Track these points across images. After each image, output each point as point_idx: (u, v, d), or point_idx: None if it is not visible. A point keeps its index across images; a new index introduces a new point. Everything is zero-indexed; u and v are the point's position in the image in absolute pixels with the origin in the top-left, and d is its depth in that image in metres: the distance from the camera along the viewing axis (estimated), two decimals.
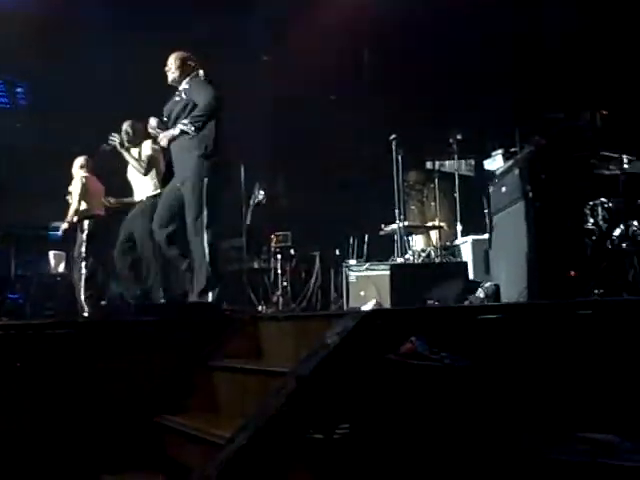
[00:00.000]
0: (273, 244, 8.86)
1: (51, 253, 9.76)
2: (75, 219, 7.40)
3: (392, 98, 10.02)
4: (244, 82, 9.93)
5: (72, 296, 8.84)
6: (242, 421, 2.77)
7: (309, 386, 2.61)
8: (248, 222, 8.27)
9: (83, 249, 7.24)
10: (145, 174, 6.68)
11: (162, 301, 6.20)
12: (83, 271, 7.21)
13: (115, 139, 6.66)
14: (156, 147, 6.54)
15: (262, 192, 8.78)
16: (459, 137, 8.28)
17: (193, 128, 5.25)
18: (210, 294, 5.13)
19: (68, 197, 7.62)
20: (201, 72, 5.50)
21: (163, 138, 5.43)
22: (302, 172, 10.48)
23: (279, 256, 8.77)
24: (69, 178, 7.81)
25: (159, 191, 6.37)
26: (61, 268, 9.76)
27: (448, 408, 2.74)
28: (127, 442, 3.73)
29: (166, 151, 5.69)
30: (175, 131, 5.33)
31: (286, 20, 10.16)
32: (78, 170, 7.63)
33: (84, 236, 7.28)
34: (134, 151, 6.81)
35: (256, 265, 8.95)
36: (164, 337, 3.94)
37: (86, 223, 7.31)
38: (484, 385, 2.83)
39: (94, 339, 3.87)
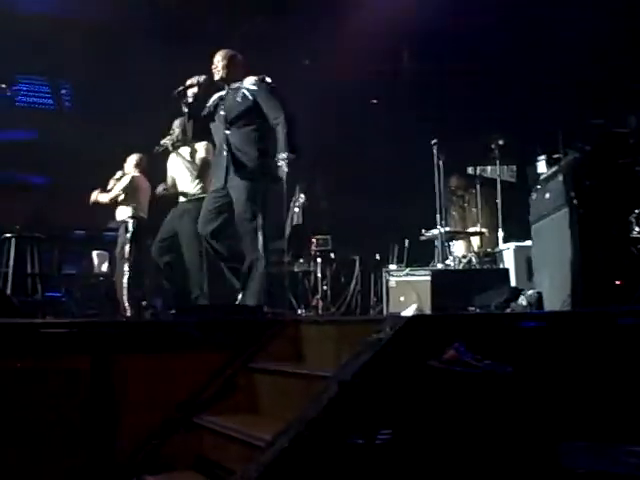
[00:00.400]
0: (313, 248, 8.87)
1: (94, 253, 9.89)
2: (121, 217, 7.46)
3: (434, 102, 9.98)
4: (285, 85, 9.97)
5: (114, 296, 8.95)
6: (282, 424, 2.78)
7: (351, 391, 2.60)
8: (289, 225, 8.29)
9: (127, 249, 7.29)
10: (197, 177, 6.67)
11: (204, 302, 6.23)
12: (126, 271, 7.27)
13: (167, 141, 6.69)
14: (210, 150, 6.57)
15: (303, 195, 8.79)
16: (501, 142, 8.20)
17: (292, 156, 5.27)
18: (254, 296, 5.15)
19: (112, 181, 7.64)
20: (268, 79, 5.48)
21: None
22: (343, 176, 10.48)
23: (319, 260, 8.77)
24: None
25: (204, 195, 6.39)
26: (104, 268, 9.89)
27: (489, 416, 2.72)
28: (167, 442, 3.77)
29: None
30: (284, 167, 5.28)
31: (327, 23, 10.17)
32: (132, 168, 7.69)
33: (128, 236, 7.33)
34: (184, 150, 6.81)
35: (296, 268, 8.96)
36: (205, 338, 3.96)
37: (131, 223, 7.36)
38: (526, 393, 2.80)
39: (135, 339, 3.91)
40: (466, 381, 2.67)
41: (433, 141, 7.71)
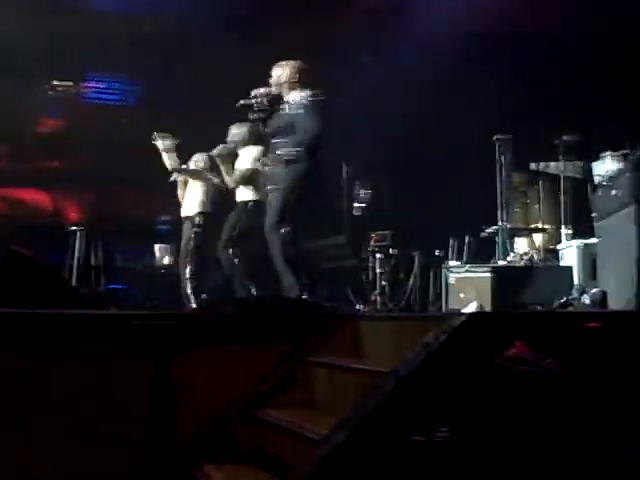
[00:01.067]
0: (372, 243, 8.84)
1: (156, 246, 10.04)
2: (188, 213, 7.58)
3: (496, 97, 9.84)
4: (346, 81, 9.96)
5: (175, 288, 9.07)
6: (339, 418, 2.78)
7: (409, 387, 2.58)
8: (348, 220, 8.29)
9: (193, 243, 7.40)
10: (239, 182, 6.78)
11: (268, 295, 6.30)
12: (190, 265, 7.37)
13: (221, 147, 6.80)
14: (258, 155, 6.65)
15: (362, 191, 8.78)
16: (566, 138, 8.04)
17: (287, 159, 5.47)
18: (308, 291, 5.21)
19: (179, 179, 7.76)
20: (311, 96, 5.54)
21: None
22: (403, 171, 10.42)
23: (378, 255, 8.74)
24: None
25: (258, 198, 6.54)
26: (166, 261, 10.03)
27: (551, 416, 2.67)
28: (226, 433, 3.81)
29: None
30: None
31: (389, 15, 10.13)
32: (202, 168, 7.81)
33: (195, 230, 7.44)
34: (247, 151, 6.89)
35: (355, 264, 8.95)
36: (265, 331, 3.99)
37: (198, 218, 7.47)
38: (589, 394, 2.73)
39: (196, 331, 3.96)
40: (528, 380, 2.62)
41: (495, 137, 7.59)
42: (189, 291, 7.37)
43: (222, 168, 6.85)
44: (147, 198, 11.30)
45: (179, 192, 7.91)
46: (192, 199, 7.69)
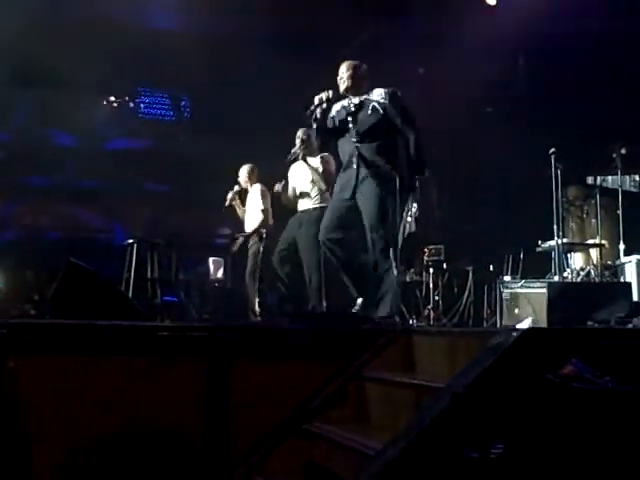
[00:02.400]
0: (425, 257, 8.79)
1: (210, 259, 10.14)
2: (252, 228, 7.61)
3: (551, 110, 9.74)
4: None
5: (228, 301, 9.15)
6: (392, 434, 2.77)
7: (464, 402, 2.57)
8: (401, 235, 8.25)
9: (260, 257, 7.36)
10: (326, 189, 6.70)
11: (322, 310, 6.26)
12: (258, 278, 7.36)
13: (297, 150, 6.74)
14: (331, 161, 6.63)
15: (415, 205, 8.74)
16: (623, 151, 7.90)
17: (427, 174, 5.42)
18: (387, 306, 5.14)
19: (233, 196, 7.82)
20: (398, 92, 5.45)
21: None
22: (456, 185, 10.36)
23: (431, 270, 8.68)
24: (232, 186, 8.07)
25: (325, 204, 6.44)
26: (219, 274, 10.13)
27: (609, 435, 2.62)
28: (278, 446, 3.82)
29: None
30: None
31: (441, 30, 10.11)
32: (247, 179, 7.84)
33: (262, 245, 7.42)
34: (312, 160, 6.86)
35: (408, 278, 8.90)
36: (318, 345, 4.00)
37: (264, 232, 7.48)
38: None
39: (249, 344, 3.99)
40: (585, 398, 2.58)
41: (551, 150, 7.49)
42: (256, 306, 7.34)
43: (310, 171, 6.74)
44: (202, 212, 11.43)
45: (238, 208, 7.93)
46: (255, 214, 7.70)
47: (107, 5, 9.72)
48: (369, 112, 5.43)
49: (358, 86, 5.54)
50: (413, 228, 8.25)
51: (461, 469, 2.42)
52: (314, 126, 5.57)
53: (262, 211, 7.61)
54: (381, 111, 5.38)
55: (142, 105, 13.21)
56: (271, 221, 7.66)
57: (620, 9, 8.60)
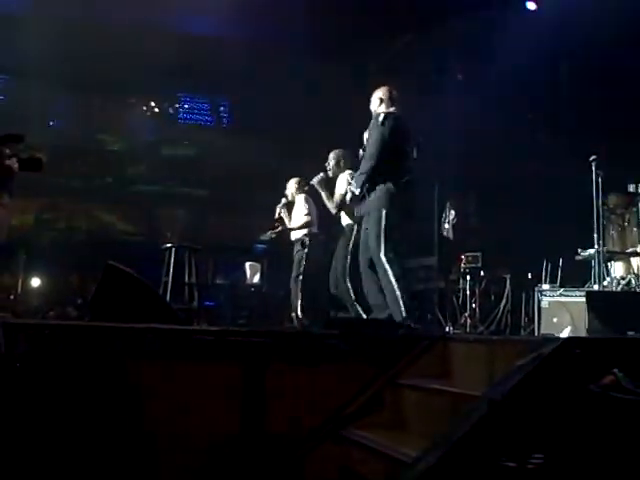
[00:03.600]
0: (463, 264, 8.75)
1: (247, 264, 10.19)
2: (297, 236, 7.66)
3: (592, 116, 9.63)
4: (438, 101, 9.93)
5: (264, 306, 9.18)
6: (428, 441, 2.75)
7: (502, 411, 2.54)
8: (439, 241, 8.22)
9: (303, 265, 7.44)
10: (335, 207, 6.75)
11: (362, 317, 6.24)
12: (301, 284, 7.41)
13: (317, 179, 6.82)
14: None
15: (453, 212, 8.70)
16: None
17: (357, 190, 5.52)
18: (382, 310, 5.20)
19: (281, 210, 7.88)
20: (382, 115, 5.49)
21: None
22: (494, 192, 10.29)
23: (468, 277, 8.64)
24: (274, 194, 8.11)
25: (348, 222, 6.56)
26: (256, 279, 10.17)
27: None
28: (314, 452, 3.82)
29: None
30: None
31: (480, 37, 10.06)
32: (295, 191, 7.89)
33: (304, 253, 7.48)
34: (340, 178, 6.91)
35: (445, 285, 8.86)
36: (354, 352, 3.99)
37: (308, 240, 7.53)
38: None
39: (285, 349, 4.00)
40: (625, 408, 2.54)
41: (592, 157, 7.40)
42: (299, 312, 7.37)
43: (323, 195, 6.81)
44: (240, 217, 11.52)
45: (282, 214, 7.94)
46: (299, 220, 7.74)
47: (148, 11, 9.83)
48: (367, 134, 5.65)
49: (379, 111, 5.66)
50: (451, 235, 8.23)
51: (498, 478, 2.39)
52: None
53: (305, 215, 7.65)
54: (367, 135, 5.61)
55: (181, 110, 13.37)
56: (315, 230, 7.67)
57: None
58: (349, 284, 6.55)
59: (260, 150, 11.33)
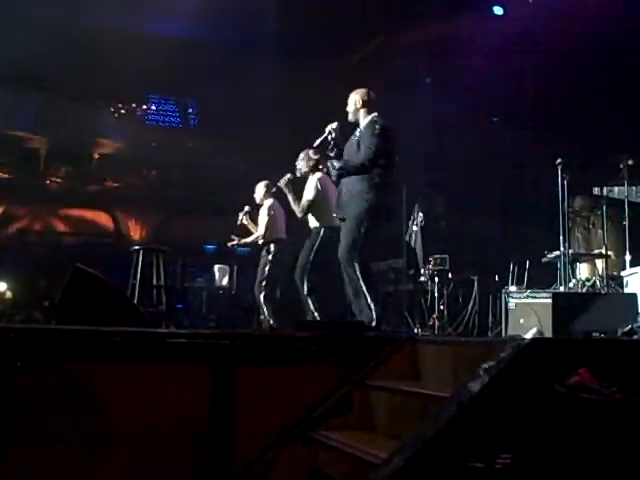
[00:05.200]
0: (431, 267, 8.80)
1: (216, 267, 10.17)
2: (260, 242, 7.66)
3: (558, 120, 9.74)
4: (406, 103, 9.97)
5: (233, 309, 9.15)
6: (397, 442, 2.76)
7: (470, 412, 2.56)
8: (407, 244, 8.25)
9: (267, 269, 7.45)
10: (301, 211, 6.72)
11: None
12: (263, 290, 7.42)
13: (282, 182, 6.77)
14: (322, 182, 6.65)
15: (421, 214, 8.75)
16: (630, 162, 7.89)
17: (335, 173, 5.45)
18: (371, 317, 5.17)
19: (243, 217, 7.87)
20: (380, 122, 5.45)
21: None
22: (462, 195, 10.36)
23: (436, 279, 8.69)
24: (242, 196, 8.09)
25: (328, 224, 6.50)
26: (224, 282, 10.15)
27: (616, 445, 2.61)
28: (283, 454, 3.82)
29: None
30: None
31: (447, 42, 10.14)
32: (262, 196, 7.85)
33: (270, 257, 7.49)
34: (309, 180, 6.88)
35: (413, 287, 8.90)
36: (323, 353, 4.00)
37: (272, 246, 7.54)
38: None
39: (254, 351, 3.99)
40: (591, 408, 2.57)
41: (558, 160, 7.49)
42: (267, 314, 7.37)
43: (289, 197, 6.76)
44: (208, 219, 11.47)
45: (245, 221, 7.92)
46: (261, 229, 7.74)
47: (116, 14, 9.76)
48: (352, 139, 5.56)
49: (359, 114, 5.60)
50: (419, 238, 8.27)
51: (466, 479, 2.41)
52: (330, 154, 5.67)
53: (266, 224, 7.64)
54: (358, 137, 5.50)
55: (150, 112, 13.29)
56: (275, 235, 7.65)
57: (634, 20, 8.60)
58: (305, 283, 6.58)
59: (228, 152, 11.30)
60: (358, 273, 5.22)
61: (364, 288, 5.20)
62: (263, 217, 7.72)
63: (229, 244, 8.05)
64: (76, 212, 12.78)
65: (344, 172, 5.45)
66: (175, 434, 3.69)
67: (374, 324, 5.04)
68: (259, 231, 7.69)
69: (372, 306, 5.14)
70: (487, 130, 10.42)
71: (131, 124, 12.99)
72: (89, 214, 12.84)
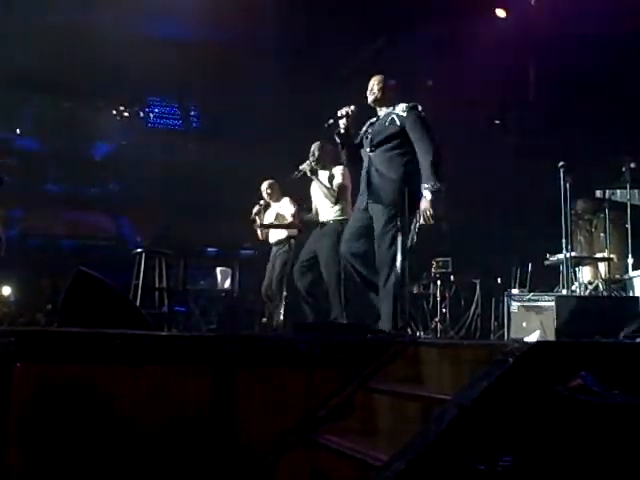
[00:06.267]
0: (433, 269, 8.80)
1: (218, 269, 10.17)
2: (279, 237, 7.66)
3: (560, 123, 9.73)
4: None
5: (235, 311, 9.15)
6: (399, 445, 2.76)
7: (471, 415, 2.56)
8: (409, 246, 8.23)
9: (288, 267, 7.41)
10: (335, 203, 6.70)
11: (343, 322, 6.23)
12: (284, 288, 7.40)
13: (305, 166, 6.76)
14: (347, 174, 6.65)
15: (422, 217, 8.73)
16: (632, 165, 7.88)
17: (438, 186, 5.24)
18: (387, 319, 5.11)
19: (258, 217, 7.86)
20: (419, 107, 5.36)
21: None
22: (464, 197, 10.34)
23: (439, 282, 8.69)
24: (244, 198, 8.11)
25: (345, 217, 6.49)
26: (227, 284, 10.15)
27: (618, 448, 2.60)
28: (284, 457, 3.81)
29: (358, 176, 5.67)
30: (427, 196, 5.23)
31: (449, 44, 10.13)
32: (267, 195, 7.86)
33: (289, 255, 7.47)
34: (322, 174, 6.87)
35: (415, 290, 8.89)
36: (325, 356, 3.99)
37: (289, 244, 7.53)
38: None
39: (256, 354, 3.99)
40: (594, 411, 2.57)
41: (560, 163, 7.48)
42: (282, 317, 7.34)
43: (319, 183, 6.70)
44: (211, 221, 11.46)
45: (258, 222, 7.92)
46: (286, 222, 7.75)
47: (119, 15, 9.77)
48: (387, 124, 5.40)
49: (386, 99, 5.54)
50: (414, 240, 8.24)
51: None
52: (337, 140, 5.59)
53: (292, 215, 7.67)
54: (398, 123, 5.34)
55: (151, 115, 13.30)
56: (296, 233, 7.67)
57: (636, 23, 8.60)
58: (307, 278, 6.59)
59: (231, 154, 11.29)
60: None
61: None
62: (289, 209, 7.71)
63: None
64: (78, 215, 12.79)
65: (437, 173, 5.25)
66: (176, 437, 3.69)
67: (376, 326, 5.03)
68: (291, 220, 7.65)
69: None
70: (489, 132, 10.40)
71: (133, 126, 12.99)
72: (91, 217, 12.85)
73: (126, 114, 13.03)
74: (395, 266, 5.07)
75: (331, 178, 6.77)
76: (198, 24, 10.09)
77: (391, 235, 5.16)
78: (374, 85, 5.57)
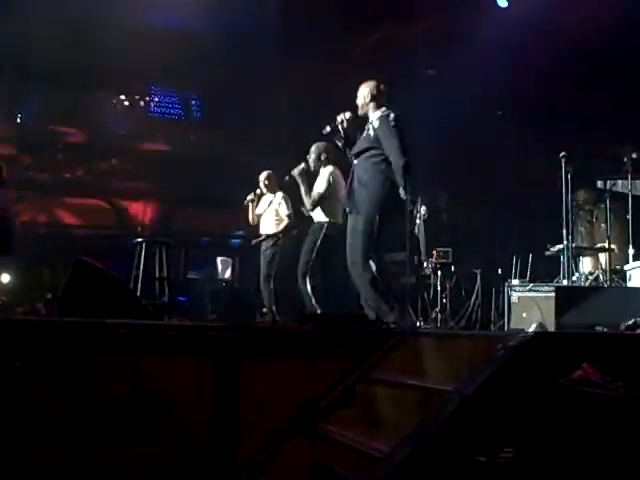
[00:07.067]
0: (434, 260, 8.78)
1: (219, 259, 10.17)
2: (269, 232, 7.68)
3: (562, 113, 9.71)
4: (407, 97, 9.94)
5: (236, 301, 9.15)
6: (400, 436, 2.76)
7: (473, 406, 2.56)
8: (410, 237, 8.22)
9: (275, 262, 7.49)
10: (312, 209, 6.71)
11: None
12: (272, 280, 7.45)
13: (296, 172, 6.74)
14: (335, 177, 6.65)
15: (424, 207, 8.72)
16: (634, 156, 7.86)
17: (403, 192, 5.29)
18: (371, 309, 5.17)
19: (251, 205, 7.88)
20: (392, 115, 5.40)
21: None
22: (465, 188, 10.34)
23: (439, 272, 8.67)
24: (244, 189, 8.11)
25: (330, 218, 6.53)
26: (227, 274, 10.14)
27: (619, 439, 2.60)
28: (286, 447, 3.82)
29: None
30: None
31: (451, 34, 10.10)
32: (264, 186, 7.88)
33: (276, 254, 7.53)
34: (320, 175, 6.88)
35: (416, 281, 8.88)
36: (326, 347, 4.00)
37: (278, 242, 7.57)
38: None
39: (258, 344, 3.99)
40: (596, 402, 2.57)
41: (561, 154, 7.46)
42: (274, 308, 7.38)
43: (302, 188, 6.71)
44: (212, 211, 11.45)
45: (251, 211, 7.95)
46: (278, 219, 7.76)
47: (120, 5, 9.73)
48: (365, 133, 5.53)
49: (369, 107, 5.60)
50: (422, 231, 8.26)
51: (469, 473, 2.41)
52: (338, 144, 5.72)
53: (287, 216, 7.68)
54: (372, 133, 5.45)
55: (152, 104, 13.26)
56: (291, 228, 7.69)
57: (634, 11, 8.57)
58: (308, 283, 6.59)
59: (232, 145, 11.28)
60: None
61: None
62: (283, 206, 7.76)
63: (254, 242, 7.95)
64: (79, 204, 12.77)
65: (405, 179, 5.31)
66: (177, 425, 3.69)
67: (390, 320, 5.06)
68: (284, 221, 7.67)
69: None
70: (490, 123, 10.38)
71: (134, 116, 12.97)
72: (92, 206, 12.83)
73: (127, 103, 13.00)
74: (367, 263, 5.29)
75: (318, 182, 6.78)
76: (199, 13, 10.05)
77: (365, 239, 5.31)
78: (358, 96, 5.65)
